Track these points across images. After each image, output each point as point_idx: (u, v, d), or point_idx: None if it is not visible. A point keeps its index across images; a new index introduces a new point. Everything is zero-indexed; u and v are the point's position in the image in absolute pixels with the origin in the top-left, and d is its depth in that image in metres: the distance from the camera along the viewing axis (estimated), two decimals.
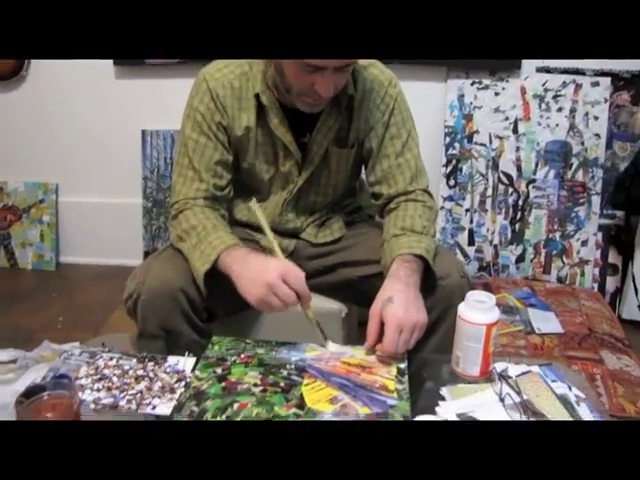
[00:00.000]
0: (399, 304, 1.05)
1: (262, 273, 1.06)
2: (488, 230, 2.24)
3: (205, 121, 1.26)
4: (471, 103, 2.20)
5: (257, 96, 1.24)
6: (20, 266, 2.66)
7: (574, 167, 2.19)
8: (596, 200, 2.18)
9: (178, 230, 1.23)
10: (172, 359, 1.10)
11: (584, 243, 2.20)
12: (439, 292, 1.18)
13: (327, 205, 1.41)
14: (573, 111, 2.17)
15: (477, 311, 1.00)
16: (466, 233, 2.26)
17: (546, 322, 1.82)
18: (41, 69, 2.43)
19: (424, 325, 1.07)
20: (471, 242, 2.26)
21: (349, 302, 1.46)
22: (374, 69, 1.31)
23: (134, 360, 1.10)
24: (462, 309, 1.02)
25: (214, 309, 1.27)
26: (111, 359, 1.11)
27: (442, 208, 2.25)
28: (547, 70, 2.19)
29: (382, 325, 1.05)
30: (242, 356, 1.08)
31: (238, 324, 1.39)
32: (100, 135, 2.48)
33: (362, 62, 1.29)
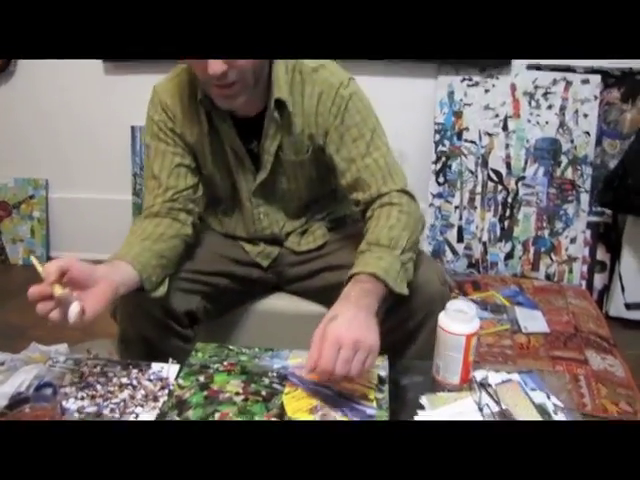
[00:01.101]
0: (342, 321, 0.95)
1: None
2: (477, 227, 2.25)
3: (161, 130, 1.25)
4: (461, 100, 2.20)
5: (202, 102, 1.22)
6: (11, 262, 2.66)
7: (563, 165, 2.19)
8: (585, 198, 2.19)
9: None
10: (156, 366, 1.11)
11: (573, 240, 2.21)
12: (418, 299, 1.17)
13: (305, 213, 1.39)
14: (563, 108, 2.17)
15: (457, 321, 1.01)
16: (455, 230, 2.26)
17: (533, 321, 1.83)
18: (29, 64, 2.42)
19: (373, 347, 0.94)
20: (460, 239, 2.27)
21: None
22: (324, 71, 1.22)
23: (118, 367, 1.11)
24: (442, 319, 1.03)
25: (195, 313, 1.28)
26: (95, 366, 1.11)
27: (431, 205, 2.25)
28: (537, 67, 2.19)
29: None
30: (225, 363, 1.09)
31: (224, 327, 1.40)
32: (90, 131, 2.47)
33: (310, 64, 1.21)
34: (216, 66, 1.04)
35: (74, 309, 0.94)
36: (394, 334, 1.20)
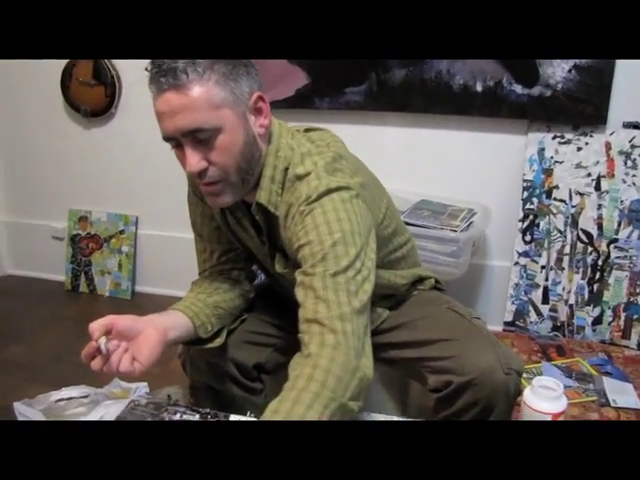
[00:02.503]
0: None
1: None
2: (564, 289, 2.16)
3: (200, 201, 1.27)
4: (552, 157, 2.14)
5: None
6: (98, 292, 2.78)
7: None
8: None
9: None
10: (234, 418, 1.11)
11: None
12: (477, 391, 1.09)
13: None
14: None
15: (543, 399, 0.97)
16: (540, 291, 2.18)
17: (623, 394, 1.72)
18: (129, 107, 2.56)
19: None
20: (545, 300, 2.18)
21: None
22: (307, 179, 1.07)
23: (197, 416, 1.12)
24: (527, 395, 0.99)
25: (265, 365, 1.29)
26: (175, 413, 1.13)
27: (517, 264, 2.19)
28: (635, 126, 2.10)
29: None
30: None
31: None
32: (180, 172, 2.54)
33: (298, 170, 1.09)
34: (193, 163, 1.03)
35: (101, 342, 1.00)
36: None
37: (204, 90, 1.00)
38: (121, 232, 2.74)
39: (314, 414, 0.87)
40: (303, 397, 0.88)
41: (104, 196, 2.74)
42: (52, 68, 2.53)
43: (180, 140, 1.03)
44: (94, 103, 2.57)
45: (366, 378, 0.94)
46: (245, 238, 1.24)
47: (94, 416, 1.28)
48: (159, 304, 2.62)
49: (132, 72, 2.50)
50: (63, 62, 2.53)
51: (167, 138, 1.06)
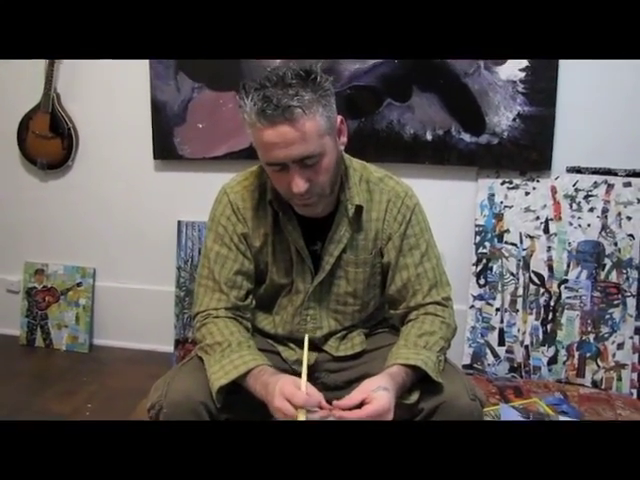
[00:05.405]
0: (391, 398, 1.09)
1: (272, 401, 1.11)
2: (519, 330, 2.20)
3: (227, 233, 1.31)
4: (501, 202, 2.22)
5: (271, 203, 1.30)
6: (55, 347, 2.71)
7: (607, 268, 2.15)
8: (631, 302, 2.13)
9: (202, 344, 1.26)
10: None
11: (620, 346, 2.14)
12: (445, 415, 1.15)
13: (352, 317, 1.40)
14: (605, 211, 2.16)
15: None
16: (496, 333, 2.22)
17: None
18: (85, 160, 2.56)
19: None
20: (501, 342, 2.22)
21: None
22: (389, 180, 1.35)
23: None
24: None
25: (234, 421, 1.27)
26: None
27: (472, 307, 2.23)
28: (578, 170, 2.19)
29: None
30: None
31: None
32: (138, 224, 2.57)
33: (376, 174, 1.35)
34: (301, 184, 1.16)
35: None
36: None
37: (313, 123, 1.12)
38: (78, 285, 2.71)
39: (443, 341, 1.26)
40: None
41: (61, 249, 2.71)
42: (8, 121, 2.53)
43: (288, 165, 1.15)
44: (51, 156, 2.56)
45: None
46: (292, 254, 1.32)
47: None
48: (117, 357, 2.63)
49: (88, 124, 2.52)
50: (19, 115, 2.53)
51: (273, 164, 1.16)
